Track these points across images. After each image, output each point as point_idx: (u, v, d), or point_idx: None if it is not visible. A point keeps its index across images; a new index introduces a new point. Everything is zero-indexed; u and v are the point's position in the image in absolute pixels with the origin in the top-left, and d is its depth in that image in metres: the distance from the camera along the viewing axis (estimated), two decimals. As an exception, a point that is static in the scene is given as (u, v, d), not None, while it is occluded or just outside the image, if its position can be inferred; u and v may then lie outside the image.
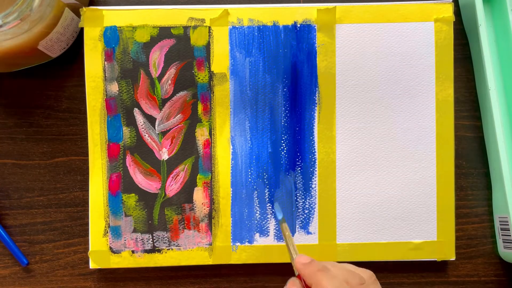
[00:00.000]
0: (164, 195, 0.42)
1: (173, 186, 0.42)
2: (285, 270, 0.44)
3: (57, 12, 0.38)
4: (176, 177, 0.42)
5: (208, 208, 0.42)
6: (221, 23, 0.42)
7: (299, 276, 0.33)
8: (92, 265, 0.42)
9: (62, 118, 0.44)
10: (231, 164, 0.42)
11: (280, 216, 0.40)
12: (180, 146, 0.42)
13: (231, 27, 0.42)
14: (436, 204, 0.43)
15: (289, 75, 0.43)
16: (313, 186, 0.43)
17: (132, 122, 0.42)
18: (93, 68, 0.42)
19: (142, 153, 0.42)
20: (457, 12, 0.45)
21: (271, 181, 0.42)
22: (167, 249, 0.42)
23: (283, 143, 0.43)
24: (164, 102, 0.42)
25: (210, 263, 0.42)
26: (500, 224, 0.43)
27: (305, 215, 0.42)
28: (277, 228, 0.42)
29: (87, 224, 0.43)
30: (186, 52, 0.42)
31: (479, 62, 0.44)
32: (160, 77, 0.42)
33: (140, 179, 0.42)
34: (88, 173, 0.42)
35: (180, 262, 0.42)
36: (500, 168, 0.42)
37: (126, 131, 0.42)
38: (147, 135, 0.42)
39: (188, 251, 0.42)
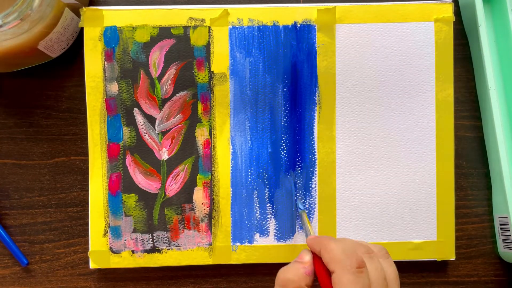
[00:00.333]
0: (164, 195, 0.42)
1: (173, 186, 0.42)
2: (285, 270, 0.44)
3: (57, 12, 0.38)
4: (176, 177, 0.42)
5: (208, 208, 0.42)
6: (221, 23, 0.42)
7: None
8: (92, 265, 0.42)
9: (62, 118, 0.44)
10: (231, 164, 0.42)
11: (302, 209, 0.41)
12: (180, 146, 0.42)
13: (231, 27, 0.42)
14: (436, 204, 0.43)
15: (289, 75, 0.43)
16: (313, 186, 0.43)
17: (132, 122, 0.42)
18: (93, 68, 0.42)
19: (142, 153, 0.42)
20: (457, 12, 0.45)
21: (271, 181, 0.42)
22: (167, 249, 0.42)
23: (283, 143, 0.43)
24: (164, 102, 0.42)
25: (210, 263, 0.42)
26: (500, 224, 0.43)
27: (305, 215, 0.42)
28: (277, 228, 0.42)
29: (87, 224, 0.43)
30: (186, 52, 0.42)
31: (479, 62, 0.44)
32: (160, 77, 0.42)
33: (140, 179, 0.42)
34: (88, 173, 0.42)
35: (180, 262, 0.42)
36: (500, 168, 0.42)
37: (126, 131, 0.42)
38: (147, 135, 0.42)
39: (188, 251, 0.42)
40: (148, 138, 0.42)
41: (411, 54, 0.43)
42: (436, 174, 0.43)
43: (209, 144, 0.42)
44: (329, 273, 0.31)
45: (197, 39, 0.42)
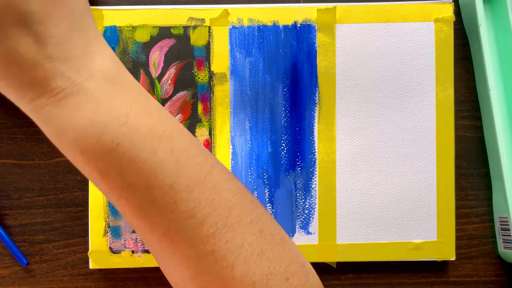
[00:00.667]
0: (164, 195, 0.42)
1: (173, 186, 0.42)
2: (285, 270, 0.44)
3: (57, 12, 0.38)
4: (176, 177, 0.42)
5: (208, 208, 0.42)
6: (221, 23, 0.42)
7: None
8: (92, 265, 0.42)
9: (62, 118, 0.44)
10: (231, 164, 0.42)
11: None
12: (180, 146, 0.42)
13: (231, 27, 0.42)
14: (436, 204, 0.43)
15: (289, 75, 0.43)
16: (313, 186, 0.42)
17: (132, 122, 0.42)
18: (93, 68, 0.42)
19: (142, 153, 0.42)
20: (457, 12, 0.45)
21: (271, 181, 0.42)
22: (167, 249, 0.42)
23: (283, 143, 0.43)
24: (164, 102, 0.42)
25: (210, 263, 0.42)
26: (500, 224, 0.43)
27: (305, 215, 0.42)
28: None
29: (87, 224, 0.43)
30: (186, 52, 0.42)
31: (479, 62, 0.44)
32: (160, 77, 0.42)
33: (140, 179, 0.42)
34: (88, 173, 0.42)
35: (180, 262, 0.42)
36: (500, 168, 0.42)
37: (126, 131, 0.42)
38: (147, 135, 0.42)
39: (188, 251, 0.42)
40: (148, 138, 0.42)
41: (411, 54, 0.43)
42: (436, 174, 0.43)
43: (209, 144, 0.42)
44: None
45: (197, 39, 0.42)
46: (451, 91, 0.43)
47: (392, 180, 0.43)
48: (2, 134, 0.44)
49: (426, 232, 0.43)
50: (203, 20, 0.42)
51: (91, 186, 0.42)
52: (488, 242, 0.44)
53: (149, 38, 0.42)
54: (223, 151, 0.42)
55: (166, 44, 0.42)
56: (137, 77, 0.42)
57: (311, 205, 0.42)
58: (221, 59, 0.42)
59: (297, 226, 0.42)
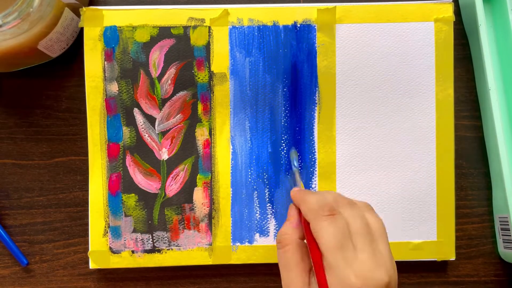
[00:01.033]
0: (164, 195, 0.42)
1: (173, 186, 0.42)
2: (285, 270, 0.44)
3: (57, 12, 0.38)
4: (176, 177, 0.42)
5: (208, 208, 0.42)
6: (221, 23, 0.42)
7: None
8: (92, 265, 0.42)
9: (62, 118, 0.44)
10: (231, 164, 0.42)
11: (296, 164, 0.41)
12: (180, 146, 0.42)
13: (231, 27, 0.42)
14: (436, 204, 0.43)
15: (289, 75, 0.43)
16: (313, 186, 0.43)
17: (132, 122, 0.42)
18: (93, 68, 0.42)
19: (142, 153, 0.42)
20: (457, 12, 0.45)
21: (271, 181, 0.42)
22: (167, 249, 0.42)
23: (283, 143, 0.43)
24: (164, 102, 0.42)
25: (210, 263, 0.42)
26: (500, 224, 0.43)
27: (305, 215, 0.42)
28: (277, 228, 0.42)
29: (87, 224, 0.43)
30: (186, 52, 0.42)
31: (479, 62, 0.44)
32: (160, 77, 0.42)
33: (140, 179, 0.42)
34: (88, 173, 0.42)
35: (180, 262, 0.42)
36: (500, 168, 0.42)
37: (126, 131, 0.42)
38: (147, 135, 0.42)
39: (188, 251, 0.42)
40: (148, 138, 0.42)
41: (411, 54, 0.43)
42: (436, 174, 0.43)
43: (209, 144, 0.42)
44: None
45: (197, 39, 0.42)
46: (451, 91, 0.43)
47: (392, 180, 0.43)
48: (2, 134, 0.44)
49: (426, 232, 0.43)
50: (203, 20, 0.42)
51: (91, 186, 0.42)
52: (488, 242, 0.44)
53: (149, 38, 0.42)
54: (223, 151, 0.42)
55: (166, 44, 0.42)
56: (137, 77, 0.42)
57: (311, 205, 0.42)
58: (221, 59, 0.42)
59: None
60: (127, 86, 0.42)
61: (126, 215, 0.42)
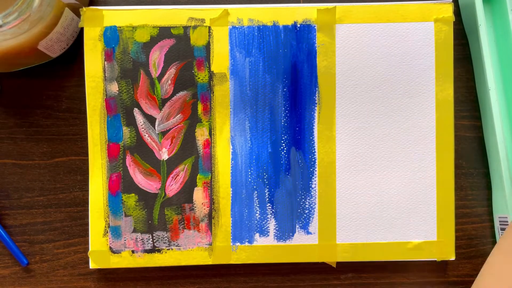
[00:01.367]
0: (164, 195, 0.42)
1: (173, 186, 0.42)
2: (285, 270, 0.44)
3: (57, 12, 0.38)
4: (176, 177, 0.42)
5: (208, 208, 0.42)
6: (221, 23, 0.42)
7: None
8: (92, 265, 0.42)
9: (62, 118, 0.44)
10: (231, 164, 0.42)
11: None
12: (180, 146, 0.42)
13: (231, 27, 0.42)
14: (436, 204, 0.43)
15: (289, 75, 0.43)
16: (313, 186, 0.43)
17: (132, 122, 0.42)
18: (93, 68, 0.42)
19: (142, 153, 0.42)
20: (457, 12, 0.45)
21: (271, 181, 0.42)
22: (167, 249, 0.42)
23: (283, 143, 0.43)
24: (164, 102, 0.42)
25: (210, 263, 0.42)
26: (500, 224, 0.43)
27: (305, 215, 0.42)
28: (277, 228, 0.42)
29: (87, 224, 0.43)
30: (186, 52, 0.42)
31: (479, 62, 0.44)
32: (160, 77, 0.42)
33: (140, 179, 0.42)
34: (88, 173, 0.42)
35: (180, 262, 0.42)
36: (500, 168, 0.42)
37: (126, 131, 0.42)
38: (147, 135, 0.42)
39: (188, 251, 0.42)
40: (148, 138, 0.42)
41: (411, 54, 0.43)
42: (436, 174, 0.43)
43: (209, 144, 0.42)
44: None
45: (197, 39, 0.42)
46: (451, 91, 0.43)
47: (392, 180, 0.43)
48: (2, 134, 0.44)
49: (426, 232, 0.43)
50: (203, 20, 0.42)
51: (91, 186, 0.42)
52: (488, 242, 0.44)
53: (149, 38, 0.42)
54: (223, 151, 0.42)
55: (166, 44, 0.42)
56: (137, 77, 0.42)
57: (311, 205, 0.42)
58: (221, 59, 0.42)
59: (297, 226, 0.42)
60: (127, 86, 0.42)
61: (126, 215, 0.42)
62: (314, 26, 0.42)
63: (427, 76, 0.43)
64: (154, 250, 0.42)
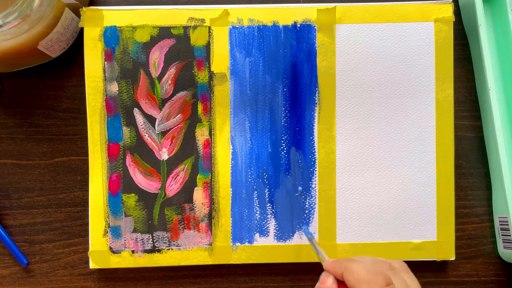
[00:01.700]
0: (164, 195, 0.42)
1: (173, 186, 0.42)
2: (285, 270, 0.44)
3: (57, 12, 0.38)
4: (176, 177, 0.42)
5: (208, 208, 0.42)
6: (221, 23, 0.42)
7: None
8: (92, 265, 0.42)
9: (62, 118, 0.44)
10: (231, 164, 0.42)
11: (310, 235, 0.41)
12: (180, 146, 0.42)
13: (231, 27, 0.42)
14: (436, 204, 0.43)
15: (289, 75, 0.43)
16: (313, 186, 0.43)
17: (132, 122, 0.42)
18: (93, 68, 0.42)
19: (142, 153, 0.42)
20: (457, 12, 0.45)
21: (271, 181, 0.42)
22: (167, 249, 0.42)
23: (283, 143, 0.43)
24: (164, 102, 0.42)
25: (210, 263, 0.42)
26: (500, 224, 0.43)
27: (305, 215, 0.42)
28: (277, 228, 0.42)
29: (87, 224, 0.43)
30: (186, 52, 0.42)
31: (479, 62, 0.44)
32: (160, 77, 0.42)
33: (140, 179, 0.42)
34: (88, 173, 0.42)
35: (180, 262, 0.42)
36: (500, 168, 0.42)
37: (126, 131, 0.42)
38: (147, 135, 0.42)
39: (188, 251, 0.42)
40: (148, 138, 0.42)
41: (411, 54, 0.43)
42: (436, 174, 0.43)
43: (209, 144, 0.42)
44: None
45: (197, 39, 0.42)
46: (451, 91, 0.43)
47: (392, 180, 0.43)
48: (2, 134, 0.44)
49: (426, 232, 0.43)
50: (203, 20, 0.42)
51: (91, 186, 0.42)
52: (488, 242, 0.44)
53: (149, 38, 0.42)
54: (223, 151, 0.42)
55: (166, 44, 0.42)
56: (137, 77, 0.42)
57: (311, 205, 0.42)
58: (221, 59, 0.42)
59: (297, 226, 0.42)
60: (127, 86, 0.42)
61: (126, 215, 0.42)
62: (314, 26, 0.42)
63: (427, 76, 0.43)
64: (154, 250, 0.42)
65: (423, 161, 0.43)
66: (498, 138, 0.42)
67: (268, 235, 0.42)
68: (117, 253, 0.42)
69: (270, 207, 0.42)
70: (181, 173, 0.42)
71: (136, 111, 0.42)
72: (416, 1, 0.43)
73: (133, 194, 0.42)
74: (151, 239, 0.42)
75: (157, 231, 0.42)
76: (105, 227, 0.42)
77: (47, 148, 0.44)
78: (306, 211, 0.42)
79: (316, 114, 0.43)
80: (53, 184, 0.44)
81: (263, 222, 0.42)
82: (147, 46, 0.42)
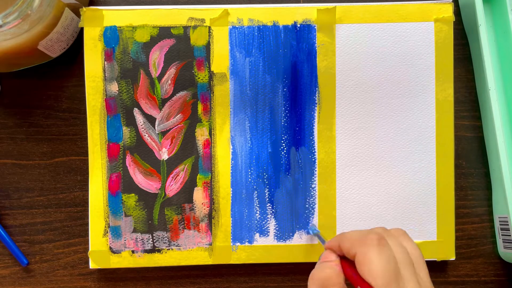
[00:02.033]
0: (164, 195, 0.42)
1: (173, 186, 0.42)
2: (285, 270, 0.44)
3: (57, 12, 0.38)
4: (176, 177, 0.42)
5: (208, 208, 0.42)
6: (221, 23, 0.42)
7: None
8: (92, 265, 0.42)
9: (62, 118, 0.44)
10: (231, 164, 0.42)
11: (316, 231, 0.42)
12: (180, 146, 0.42)
13: (231, 27, 0.42)
14: (436, 204, 0.43)
15: (289, 75, 0.43)
16: (313, 186, 0.43)
17: (132, 122, 0.42)
18: (93, 68, 0.42)
19: (142, 153, 0.42)
20: (457, 12, 0.45)
21: (271, 181, 0.42)
22: (167, 249, 0.42)
23: (283, 143, 0.43)
24: (164, 102, 0.42)
25: (210, 263, 0.42)
26: (500, 224, 0.43)
27: (305, 215, 0.42)
28: (277, 228, 0.42)
29: (87, 224, 0.43)
30: (186, 52, 0.42)
31: (479, 62, 0.44)
32: (160, 77, 0.42)
33: (140, 179, 0.42)
34: (88, 173, 0.42)
35: (180, 262, 0.42)
36: (500, 168, 0.42)
37: (126, 131, 0.42)
38: (147, 135, 0.42)
39: (188, 251, 0.42)
40: (148, 138, 0.42)
41: (411, 54, 0.43)
42: (436, 174, 0.43)
43: (209, 144, 0.42)
44: (353, 266, 0.31)
45: (197, 39, 0.42)
46: (451, 91, 0.43)
47: (392, 180, 0.43)
48: (2, 134, 0.44)
49: (426, 232, 0.43)
50: (203, 20, 0.42)
51: (91, 186, 0.42)
52: (488, 242, 0.44)
53: (149, 38, 0.42)
54: (223, 151, 0.42)
55: (166, 44, 0.42)
56: (137, 77, 0.42)
57: (311, 205, 0.42)
58: (221, 59, 0.42)
59: (297, 226, 0.42)
60: (127, 86, 0.42)
61: (126, 215, 0.42)
62: (314, 26, 0.42)
63: (427, 76, 0.43)
64: (154, 250, 0.42)
65: (423, 161, 0.43)
66: (498, 138, 0.42)
67: (268, 235, 0.42)
68: (117, 253, 0.42)
69: (270, 207, 0.42)
70: (181, 173, 0.42)
71: (136, 111, 0.42)
72: (416, 1, 0.43)
73: (133, 194, 0.42)
74: (151, 239, 0.42)
75: (157, 231, 0.42)
76: (105, 227, 0.42)
77: (47, 148, 0.44)
78: (306, 211, 0.42)
79: (316, 114, 0.43)
80: (53, 184, 0.44)
81: (263, 222, 0.42)
82: (147, 46, 0.42)
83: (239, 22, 0.42)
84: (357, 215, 0.43)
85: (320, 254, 0.42)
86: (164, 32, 0.42)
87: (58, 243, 0.44)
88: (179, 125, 0.42)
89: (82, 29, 0.42)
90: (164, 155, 0.42)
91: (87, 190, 0.43)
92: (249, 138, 0.43)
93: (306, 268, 0.44)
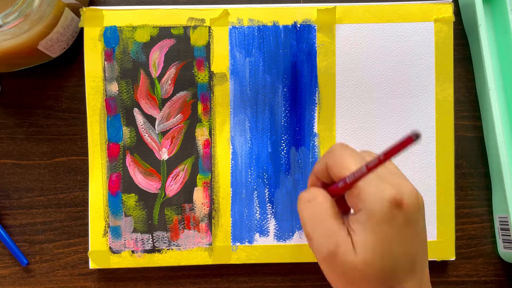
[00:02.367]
0: (164, 195, 0.42)
1: (173, 186, 0.42)
2: (285, 270, 0.44)
3: (57, 12, 0.38)
4: (176, 177, 0.42)
5: (208, 208, 0.42)
6: (221, 23, 0.42)
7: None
8: (92, 265, 0.42)
9: (62, 118, 0.44)
10: (231, 164, 0.42)
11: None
12: (180, 146, 0.42)
13: (231, 27, 0.42)
14: (436, 204, 0.43)
15: (289, 75, 0.43)
16: (313, 186, 0.42)
17: (132, 122, 0.42)
18: (93, 68, 0.42)
19: (142, 153, 0.42)
20: (457, 12, 0.45)
21: (271, 181, 0.42)
22: (167, 249, 0.42)
23: (283, 143, 0.43)
24: (164, 102, 0.42)
25: (210, 263, 0.42)
26: (500, 224, 0.43)
27: (305, 215, 0.42)
28: (277, 228, 0.42)
29: (87, 224, 0.43)
30: (186, 52, 0.42)
31: (479, 62, 0.44)
32: (160, 77, 0.42)
33: (140, 179, 0.42)
34: (88, 173, 0.42)
35: (180, 262, 0.42)
36: (500, 168, 0.42)
37: (126, 131, 0.42)
38: (147, 135, 0.42)
39: (188, 251, 0.42)
40: (148, 138, 0.42)
41: (411, 54, 0.43)
42: (436, 174, 0.43)
43: (209, 144, 0.42)
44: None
45: (197, 39, 0.42)
46: (451, 91, 0.43)
47: (392, 180, 0.43)
48: (2, 134, 0.44)
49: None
50: (203, 20, 0.42)
51: (91, 186, 0.42)
52: (488, 242, 0.44)
53: (149, 38, 0.42)
54: (223, 151, 0.42)
55: (166, 44, 0.42)
56: (137, 77, 0.42)
57: (311, 205, 0.42)
58: (221, 59, 0.42)
59: (297, 226, 0.42)
60: (127, 86, 0.42)
61: (126, 215, 0.42)
62: (314, 26, 0.42)
63: (427, 76, 0.43)
64: (154, 250, 0.42)
65: (423, 161, 0.43)
66: (498, 138, 0.42)
67: (268, 235, 0.42)
68: (117, 253, 0.42)
69: (270, 207, 0.42)
70: (181, 173, 0.42)
71: (136, 111, 0.42)
72: (416, 1, 0.43)
73: (133, 194, 0.42)
74: (151, 239, 0.42)
75: (157, 231, 0.42)
76: (105, 227, 0.42)
77: (47, 148, 0.44)
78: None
79: (316, 114, 0.43)
80: (53, 184, 0.44)
81: (263, 222, 0.42)
82: (147, 46, 0.42)
83: (239, 22, 0.42)
84: (357, 215, 0.42)
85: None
86: (164, 32, 0.42)
87: (58, 243, 0.44)
88: (179, 125, 0.42)
89: (82, 29, 0.42)
90: (164, 155, 0.42)
91: (87, 190, 0.43)
92: (249, 138, 0.43)
93: (306, 268, 0.44)
